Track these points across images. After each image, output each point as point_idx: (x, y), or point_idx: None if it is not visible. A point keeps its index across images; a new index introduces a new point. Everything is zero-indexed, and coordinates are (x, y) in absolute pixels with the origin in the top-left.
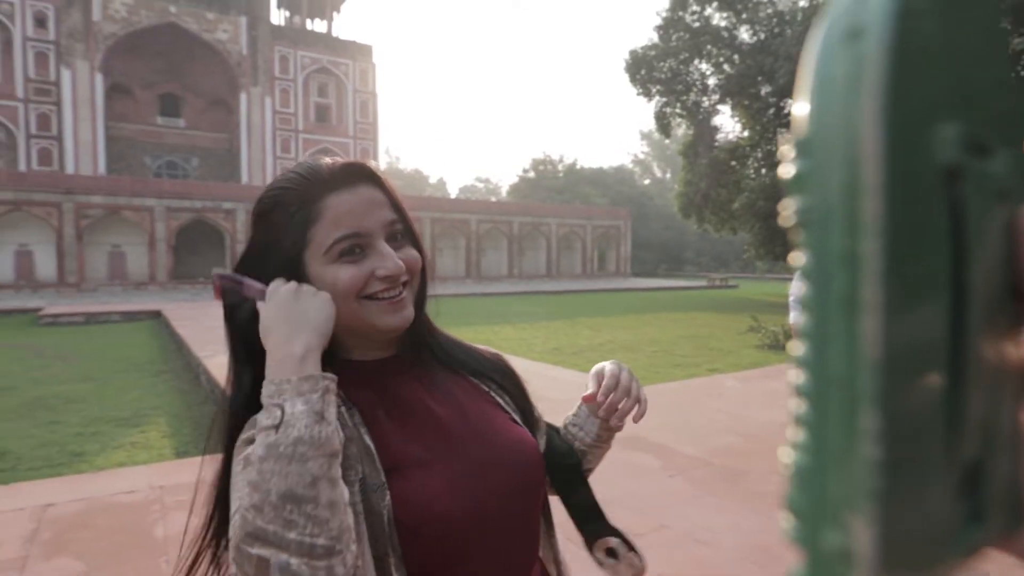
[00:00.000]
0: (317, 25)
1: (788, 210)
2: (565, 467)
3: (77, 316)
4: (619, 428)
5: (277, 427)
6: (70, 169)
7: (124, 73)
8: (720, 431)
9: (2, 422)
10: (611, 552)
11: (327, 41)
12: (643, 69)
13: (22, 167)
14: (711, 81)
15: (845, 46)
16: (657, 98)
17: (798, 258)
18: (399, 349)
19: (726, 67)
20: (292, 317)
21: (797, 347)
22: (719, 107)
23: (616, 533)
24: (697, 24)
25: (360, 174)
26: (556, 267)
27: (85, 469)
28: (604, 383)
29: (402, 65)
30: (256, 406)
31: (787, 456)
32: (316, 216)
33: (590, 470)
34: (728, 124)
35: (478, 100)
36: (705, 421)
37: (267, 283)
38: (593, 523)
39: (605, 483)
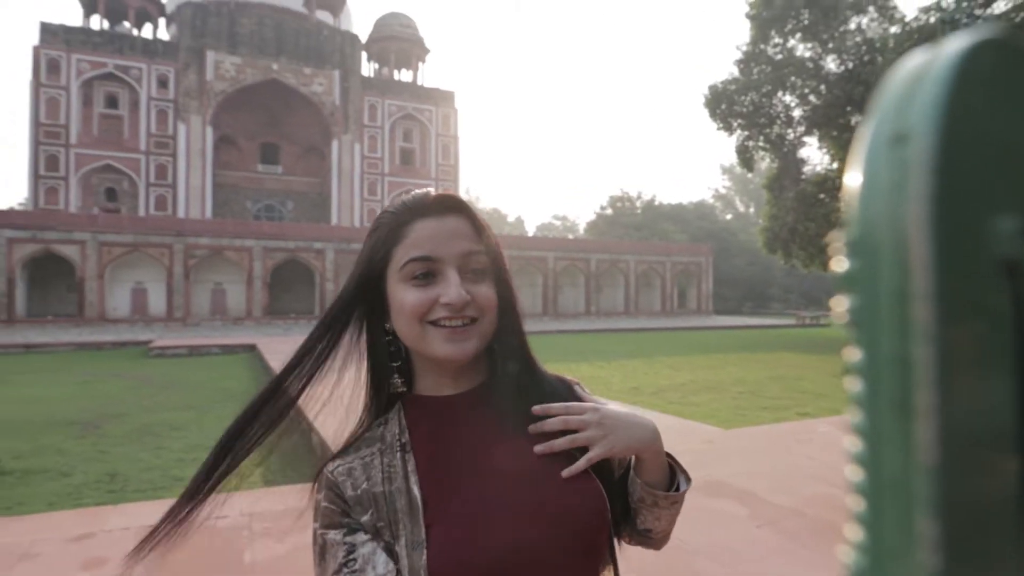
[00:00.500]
0: (403, 75)
1: (840, 307)
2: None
3: (181, 349)
4: (666, 498)
5: None
6: (181, 214)
7: (230, 126)
8: (811, 479)
9: (115, 446)
10: None
11: (412, 90)
12: (723, 103)
13: (142, 212)
14: (796, 113)
15: (891, 150)
16: (739, 132)
17: (851, 354)
18: (477, 385)
19: (812, 98)
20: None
21: (852, 443)
22: (805, 139)
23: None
24: (780, 56)
25: (450, 205)
26: (635, 304)
27: None
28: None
29: (482, 106)
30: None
31: (845, 555)
32: (401, 237)
33: (649, 531)
34: (815, 156)
35: (556, 139)
36: (795, 468)
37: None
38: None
39: (688, 531)
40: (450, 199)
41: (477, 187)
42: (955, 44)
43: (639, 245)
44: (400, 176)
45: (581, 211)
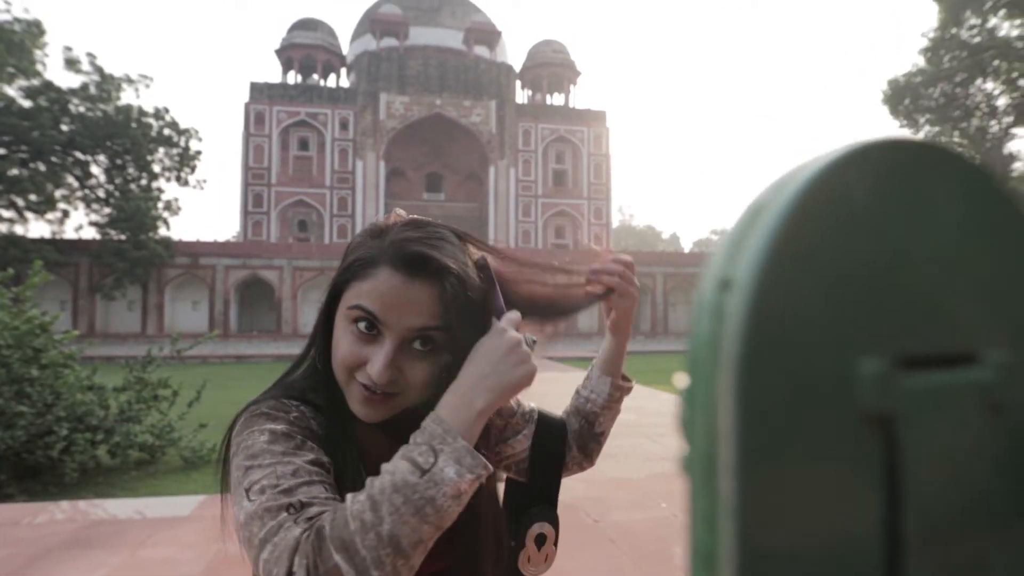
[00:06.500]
0: (556, 98)
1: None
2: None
3: None
4: (629, 389)
5: (424, 472)
6: None
7: (400, 159)
8: None
9: None
10: (540, 539)
11: (564, 112)
12: (907, 98)
13: (327, 240)
14: (1001, 102)
15: (716, 295)
16: (927, 128)
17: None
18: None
19: (1023, 83)
20: (498, 368)
21: None
22: (1014, 131)
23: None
24: (977, 39)
25: (427, 269)
26: None
27: None
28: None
29: (636, 122)
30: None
31: None
32: (364, 275)
33: (604, 433)
34: None
35: (713, 152)
36: None
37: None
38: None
39: None
40: (429, 262)
41: (630, 205)
42: (816, 163)
43: None
44: (553, 197)
45: None
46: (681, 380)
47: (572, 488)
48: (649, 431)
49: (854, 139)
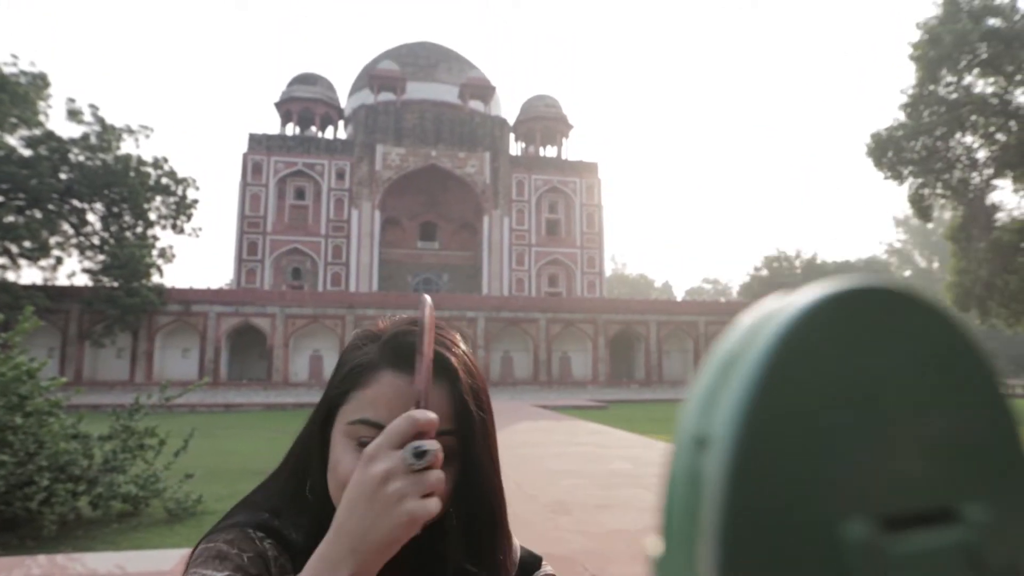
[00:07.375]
0: (549, 150)
1: None
2: None
3: None
4: None
5: None
6: (352, 288)
7: (395, 208)
8: None
9: None
10: None
11: (557, 164)
12: (890, 151)
13: (320, 288)
14: (980, 154)
15: (691, 455)
16: (911, 180)
17: None
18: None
19: (1000, 136)
20: (361, 518)
21: None
22: (995, 182)
23: None
24: (954, 95)
25: (436, 367)
26: None
27: None
28: None
29: (629, 172)
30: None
31: None
32: (363, 383)
33: None
34: (1010, 200)
35: (704, 201)
36: None
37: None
38: None
39: None
40: (436, 357)
41: (623, 254)
42: (786, 311)
43: None
44: (546, 246)
45: (734, 274)
46: (653, 546)
47: (570, 541)
48: (646, 481)
49: (819, 283)
